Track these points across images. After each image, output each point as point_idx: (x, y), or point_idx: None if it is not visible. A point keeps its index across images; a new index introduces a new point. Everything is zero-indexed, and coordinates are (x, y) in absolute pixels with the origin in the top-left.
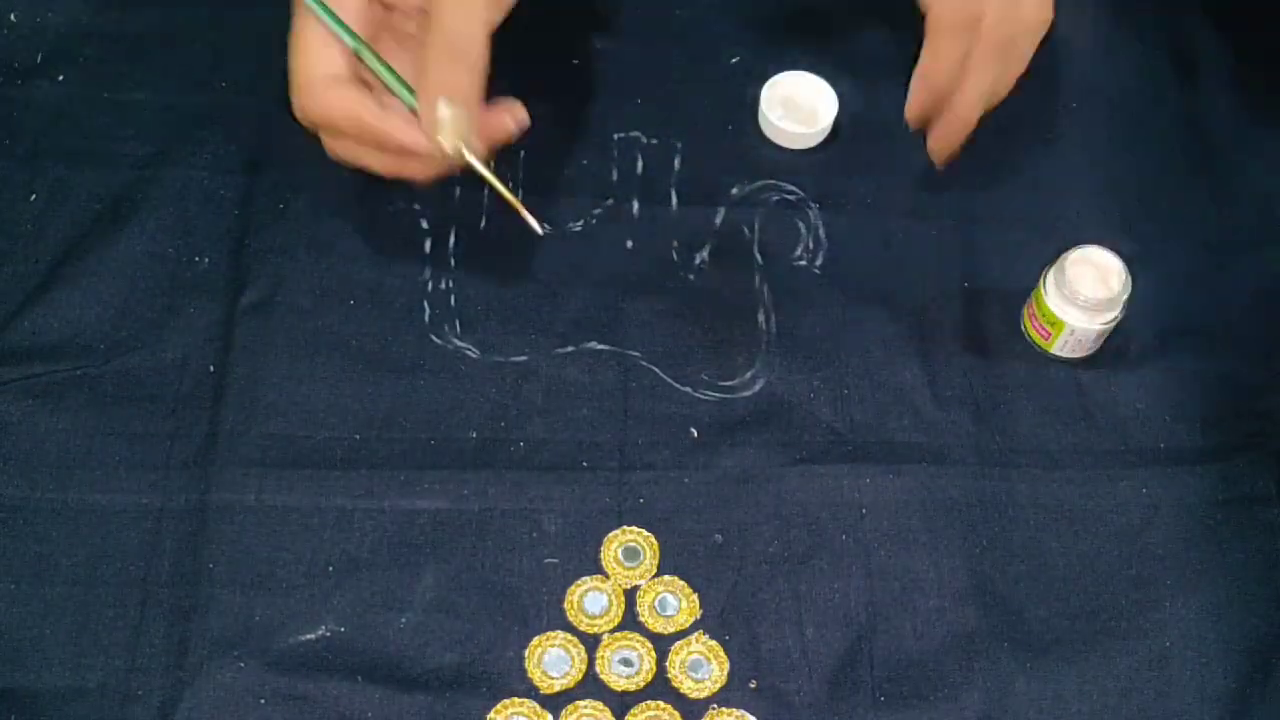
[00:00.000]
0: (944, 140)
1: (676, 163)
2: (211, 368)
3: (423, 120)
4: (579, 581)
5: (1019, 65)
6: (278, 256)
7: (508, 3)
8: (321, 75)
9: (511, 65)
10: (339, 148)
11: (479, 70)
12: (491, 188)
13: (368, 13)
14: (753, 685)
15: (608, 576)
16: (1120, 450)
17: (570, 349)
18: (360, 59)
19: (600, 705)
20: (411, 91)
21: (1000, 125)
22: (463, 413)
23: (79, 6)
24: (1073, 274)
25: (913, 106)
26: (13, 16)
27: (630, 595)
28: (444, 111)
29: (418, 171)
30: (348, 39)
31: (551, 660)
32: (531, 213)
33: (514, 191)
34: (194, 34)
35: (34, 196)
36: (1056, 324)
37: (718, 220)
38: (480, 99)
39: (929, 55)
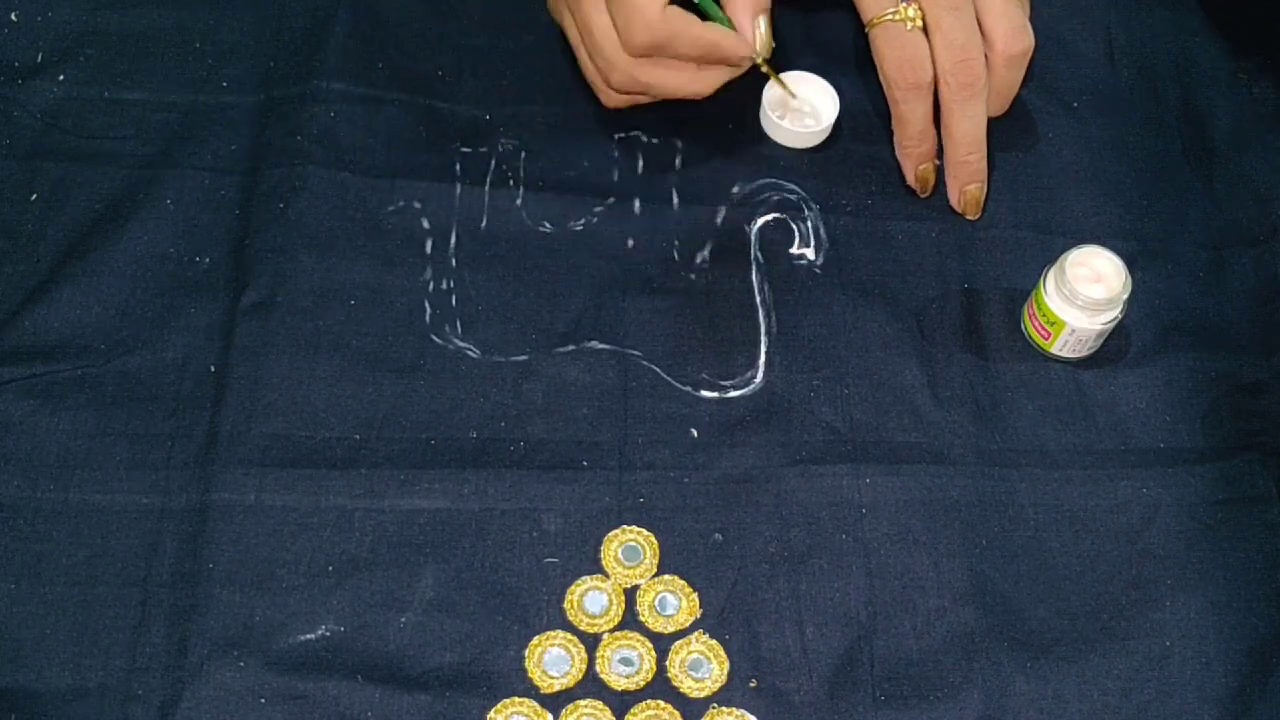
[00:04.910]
0: (962, 193)
1: (677, 162)
2: (212, 368)
3: (743, 31)
4: (579, 581)
5: (1003, 96)
6: (278, 256)
7: None
8: (661, 4)
9: (513, 65)
10: (658, 74)
11: None
12: (775, 77)
13: None
14: (753, 684)
15: (608, 576)
16: (1120, 450)
17: (570, 348)
18: None
19: (600, 705)
20: (715, 8)
21: (1001, 125)
22: (463, 412)
23: (79, 6)
24: (1073, 274)
25: (908, 177)
26: (13, 16)
27: (630, 595)
28: (762, 26)
29: (711, 84)
30: None
31: (551, 660)
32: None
33: (515, 190)
34: (194, 34)
35: (34, 196)
36: (1056, 324)
37: (718, 220)
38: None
39: (894, 122)
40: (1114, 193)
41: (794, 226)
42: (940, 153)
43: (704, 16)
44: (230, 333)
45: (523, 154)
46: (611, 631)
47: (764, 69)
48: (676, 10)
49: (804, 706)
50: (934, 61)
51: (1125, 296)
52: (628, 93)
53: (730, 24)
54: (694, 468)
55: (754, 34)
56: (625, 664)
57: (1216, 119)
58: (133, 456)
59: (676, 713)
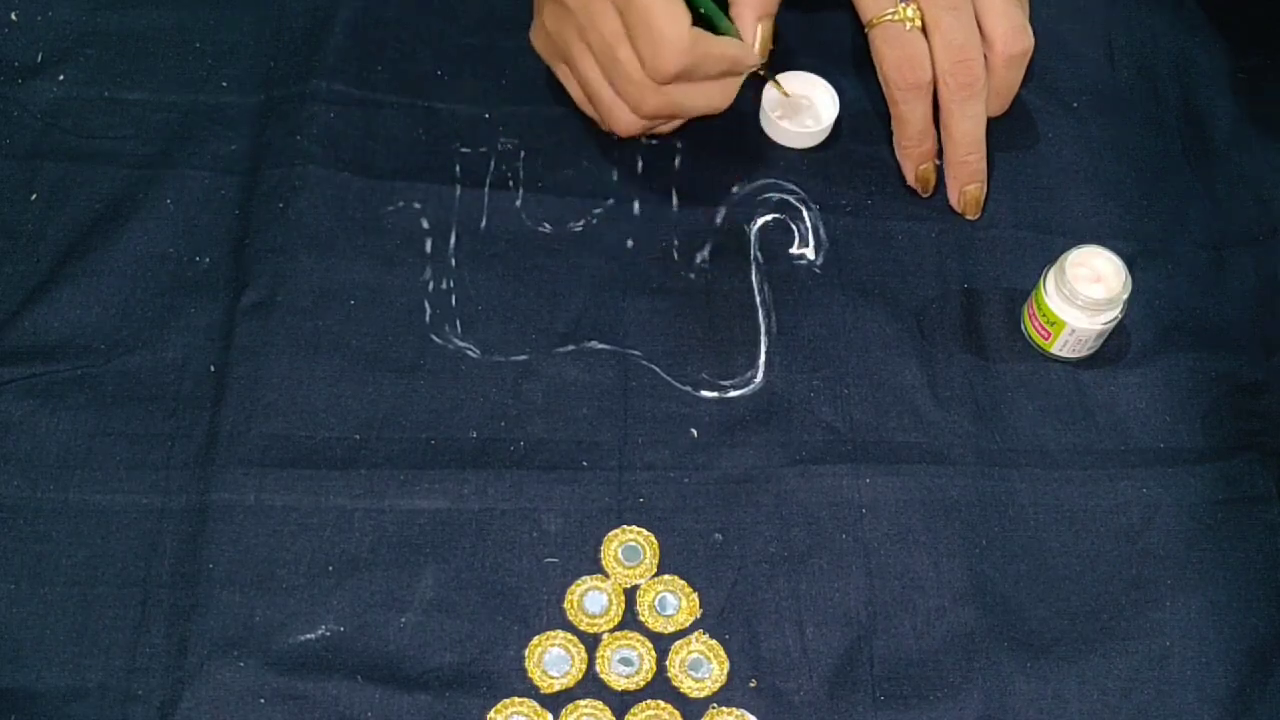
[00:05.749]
0: (962, 193)
1: (677, 162)
2: (212, 368)
3: (748, 38)
4: (579, 581)
5: (1003, 96)
6: (278, 256)
7: None
8: (689, 29)
9: (512, 65)
10: (686, 95)
11: None
12: (771, 80)
13: None
14: (753, 684)
15: (608, 576)
16: (1120, 450)
17: (570, 348)
18: None
19: (600, 705)
20: (721, 16)
21: (1001, 125)
22: (463, 412)
23: (79, 6)
24: (1073, 274)
25: (908, 177)
26: (13, 16)
27: (630, 594)
28: (763, 29)
29: (730, 95)
30: None
31: (551, 660)
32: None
33: (514, 190)
34: (194, 34)
35: (34, 196)
36: (1056, 324)
37: (718, 219)
38: None
39: (894, 122)
40: (1114, 193)
41: (794, 226)
42: (940, 153)
43: (709, 25)
44: (230, 333)
45: (522, 154)
46: (611, 631)
47: (762, 72)
48: (700, 32)
49: (804, 706)
50: (933, 61)
51: (1125, 296)
52: (656, 117)
53: (735, 30)
54: (694, 468)
55: (755, 38)
56: (625, 664)
57: (1216, 119)
58: (133, 456)
59: (676, 713)
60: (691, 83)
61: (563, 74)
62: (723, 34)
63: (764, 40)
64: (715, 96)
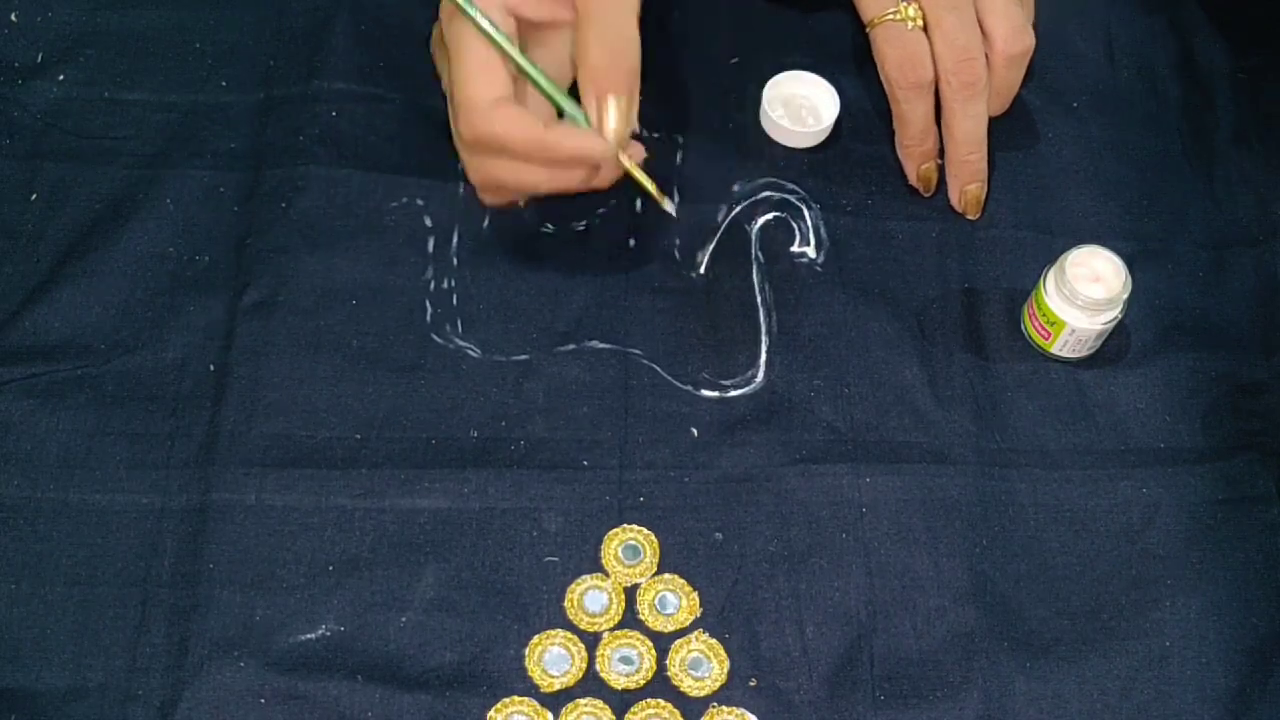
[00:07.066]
0: (963, 192)
1: (678, 161)
2: (212, 367)
3: (594, 121)
4: (579, 580)
5: (1003, 96)
6: (279, 256)
7: None
8: (490, 98)
9: None
10: (500, 170)
11: (637, 66)
12: (640, 186)
13: (505, 28)
14: (753, 684)
15: (608, 575)
16: (1120, 450)
17: (571, 347)
18: (517, 67)
19: (600, 703)
20: (562, 98)
21: (1001, 125)
22: (463, 412)
23: (79, 6)
24: (1073, 274)
25: (910, 176)
26: (13, 16)
27: (630, 593)
28: (611, 110)
29: (577, 182)
30: (507, 47)
31: (552, 658)
32: (665, 198)
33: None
34: (194, 34)
35: (34, 196)
36: (1056, 324)
37: (719, 219)
38: (637, 94)
39: (896, 122)
40: (1114, 193)
41: (794, 226)
42: (941, 152)
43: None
44: (231, 332)
45: None
46: (611, 630)
47: (625, 164)
48: (508, 106)
49: (804, 706)
50: (935, 61)
51: (1125, 296)
52: (477, 180)
53: (579, 113)
54: (694, 467)
55: (604, 121)
56: (625, 663)
57: (1216, 119)
58: (133, 456)
59: (676, 711)
60: (504, 157)
61: None
62: (571, 116)
63: (620, 120)
64: (539, 177)
